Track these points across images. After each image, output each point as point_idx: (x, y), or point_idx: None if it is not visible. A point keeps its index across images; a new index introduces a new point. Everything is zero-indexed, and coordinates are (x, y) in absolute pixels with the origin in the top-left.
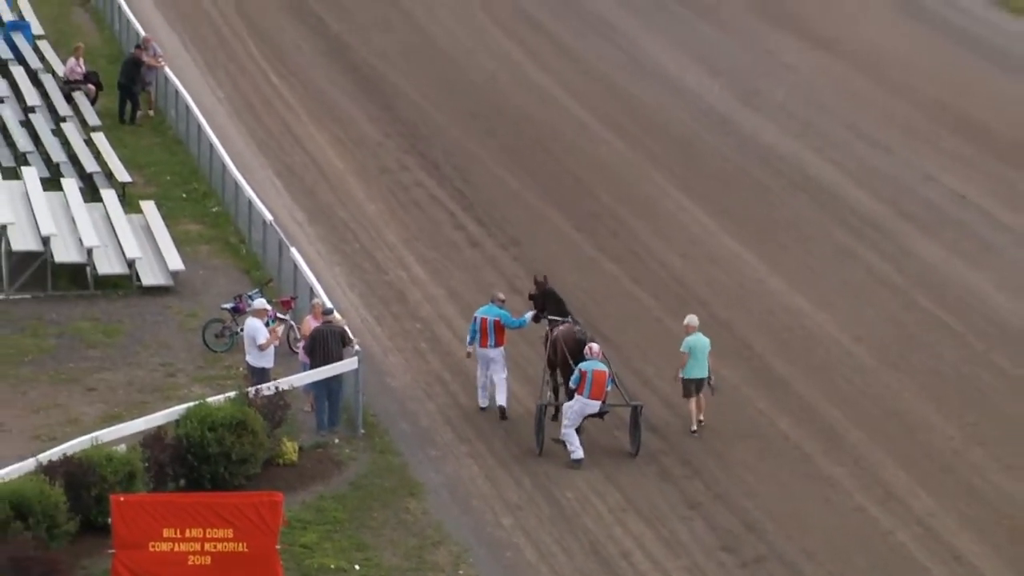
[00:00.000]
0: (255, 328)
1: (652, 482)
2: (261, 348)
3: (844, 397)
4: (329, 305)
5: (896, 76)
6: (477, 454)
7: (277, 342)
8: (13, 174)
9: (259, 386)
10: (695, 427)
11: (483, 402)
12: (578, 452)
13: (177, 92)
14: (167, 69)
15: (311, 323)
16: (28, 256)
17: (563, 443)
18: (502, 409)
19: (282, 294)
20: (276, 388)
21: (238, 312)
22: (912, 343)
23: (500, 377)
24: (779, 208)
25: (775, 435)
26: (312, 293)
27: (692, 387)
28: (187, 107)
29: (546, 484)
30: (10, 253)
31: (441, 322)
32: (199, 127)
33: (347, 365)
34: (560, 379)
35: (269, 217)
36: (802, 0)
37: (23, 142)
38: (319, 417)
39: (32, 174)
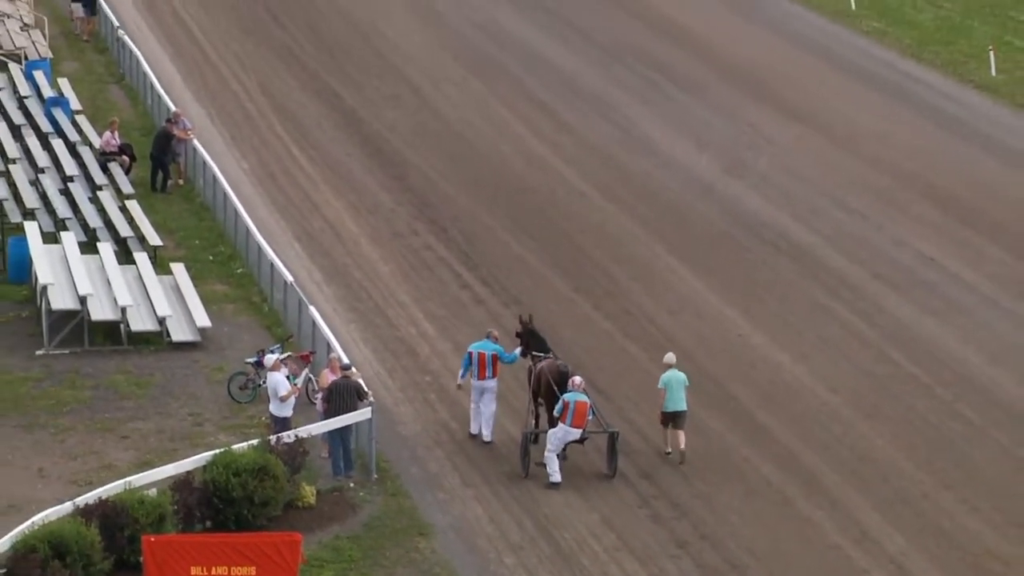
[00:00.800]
0: (277, 381)
1: (644, 524)
2: (282, 399)
3: (822, 444)
4: (346, 361)
5: (868, 148)
6: (482, 497)
7: (297, 394)
8: (53, 239)
9: (280, 434)
10: (669, 450)
11: (475, 428)
12: (556, 476)
13: (205, 163)
14: (196, 142)
15: (328, 376)
16: (67, 314)
17: (545, 468)
18: (487, 440)
19: (301, 349)
20: (296, 436)
21: (261, 366)
22: (884, 394)
23: (490, 410)
24: (761, 269)
25: (758, 479)
26: (329, 348)
27: (670, 419)
28: (214, 176)
29: (546, 525)
30: (50, 311)
31: (449, 375)
32: (225, 195)
33: (362, 415)
34: (544, 408)
35: (290, 278)
36: (782, 79)
37: (62, 209)
38: (335, 463)
39: (71, 239)
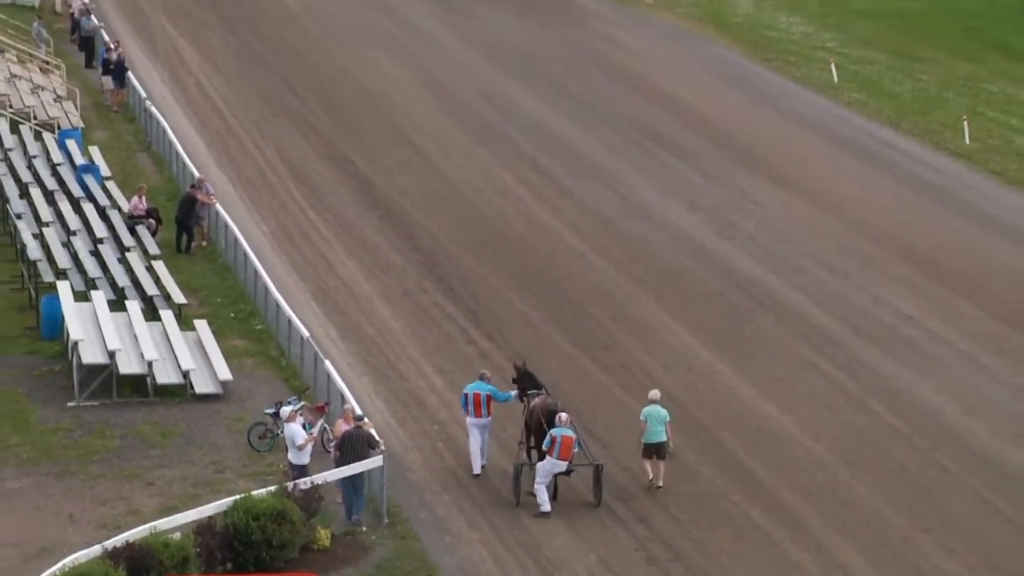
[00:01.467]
0: (294, 430)
1: (640, 565)
2: (299, 448)
3: (807, 490)
4: (360, 412)
5: (851, 212)
6: (487, 540)
7: (313, 443)
8: (84, 297)
9: (297, 481)
10: (652, 477)
11: (477, 469)
12: (546, 506)
13: (227, 225)
14: (218, 206)
15: (342, 426)
16: (96, 368)
17: (535, 497)
18: (476, 473)
19: (317, 400)
20: (312, 483)
21: (279, 416)
22: (865, 443)
23: (477, 444)
24: (749, 325)
25: (746, 523)
26: (343, 399)
27: (652, 451)
28: (235, 238)
29: (547, 567)
30: (81, 365)
31: (456, 425)
32: (246, 256)
33: (373, 463)
34: (535, 442)
35: (306, 334)
36: (770, 147)
37: (93, 269)
38: (348, 508)
39: (100, 297)
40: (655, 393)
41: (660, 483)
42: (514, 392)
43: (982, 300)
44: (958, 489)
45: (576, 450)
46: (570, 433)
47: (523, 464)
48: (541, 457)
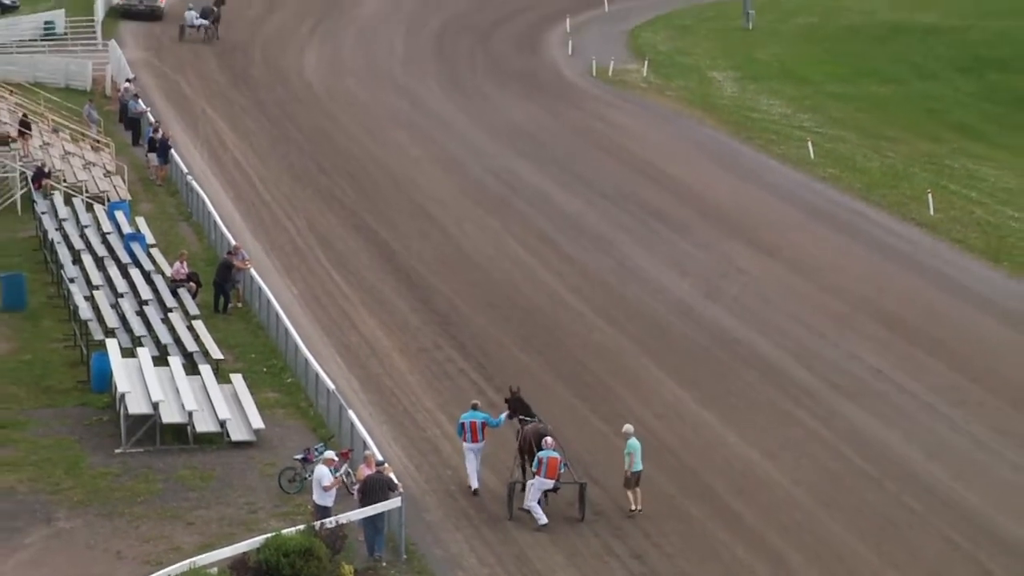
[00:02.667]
0: (322, 473)
1: None
2: (326, 490)
3: (787, 529)
4: (380, 457)
5: (827, 277)
6: None
7: (338, 485)
8: (130, 353)
9: (323, 520)
10: (633, 508)
11: (475, 484)
12: (542, 519)
13: (260, 288)
14: (252, 271)
15: (364, 470)
16: (141, 418)
17: (528, 512)
18: (475, 491)
19: (341, 447)
20: (336, 522)
21: (307, 462)
22: (840, 487)
23: (473, 466)
24: (734, 379)
25: (732, 559)
26: (365, 446)
27: (634, 479)
28: (268, 300)
29: None
30: (127, 415)
31: (481, 495)
32: (277, 316)
33: (393, 504)
34: (527, 464)
35: (331, 386)
36: (753, 218)
37: (138, 328)
38: (370, 545)
39: (145, 353)
40: (631, 427)
41: (639, 507)
42: (504, 415)
43: (945, 356)
44: (923, 528)
45: (562, 470)
46: (555, 455)
47: (515, 483)
48: (531, 476)
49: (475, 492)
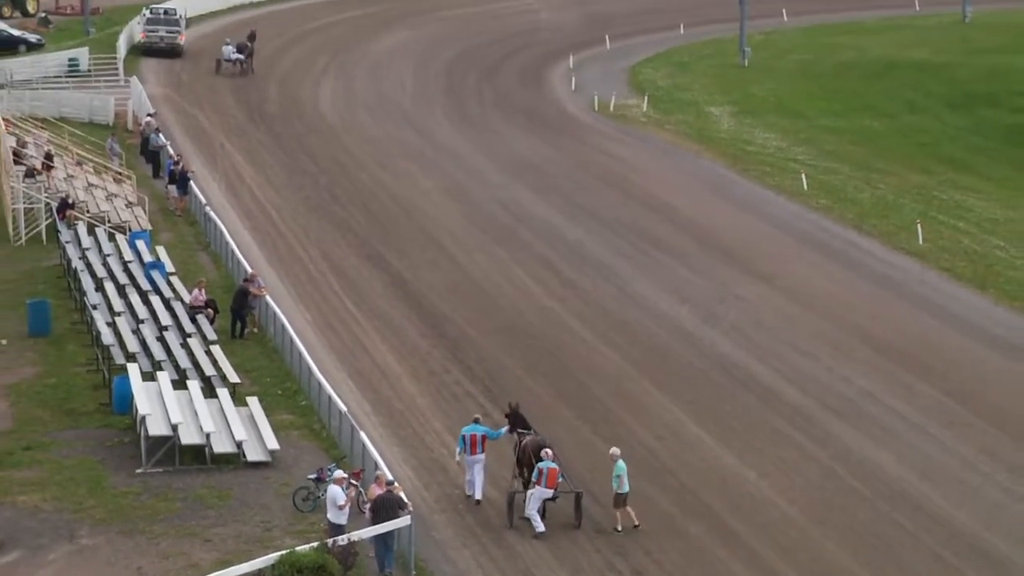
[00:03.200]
0: (335, 493)
1: None
2: (339, 509)
3: (782, 547)
4: (390, 477)
5: (821, 304)
6: None
7: (350, 504)
8: (150, 377)
9: (335, 538)
10: (619, 528)
11: (469, 491)
12: (540, 527)
13: (275, 314)
14: (268, 298)
15: (375, 490)
16: (161, 439)
17: (528, 520)
18: (477, 500)
19: (353, 467)
20: (348, 539)
21: (320, 481)
22: (833, 505)
23: (480, 477)
24: (731, 402)
25: None
26: (376, 466)
27: (622, 499)
28: (283, 326)
29: None
30: (148, 437)
31: (485, 505)
32: (292, 341)
33: (402, 522)
34: (526, 475)
35: (344, 408)
36: (749, 247)
37: (158, 353)
38: (380, 562)
39: (165, 377)
40: (617, 450)
41: (637, 523)
42: (504, 428)
43: (934, 380)
44: (914, 546)
45: (560, 480)
46: (554, 465)
47: (515, 492)
48: (531, 486)
49: (477, 502)
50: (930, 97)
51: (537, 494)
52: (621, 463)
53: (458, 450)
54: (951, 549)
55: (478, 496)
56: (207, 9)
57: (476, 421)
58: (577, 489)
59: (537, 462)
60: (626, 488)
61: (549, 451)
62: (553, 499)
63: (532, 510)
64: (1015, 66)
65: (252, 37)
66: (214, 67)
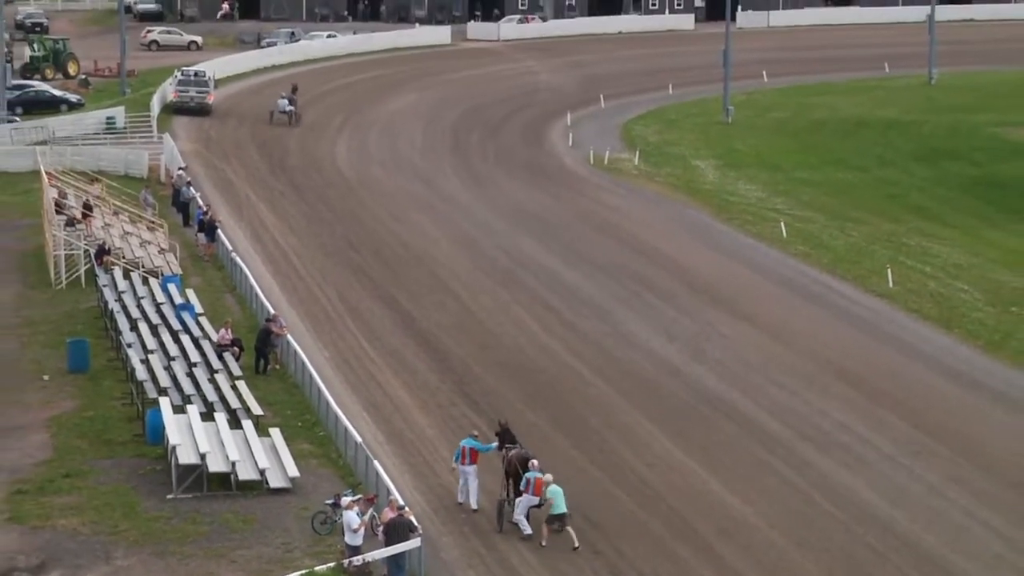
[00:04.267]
0: (351, 517)
1: None
2: (355, 531)
3: (764, 567)
4: (402, 502)
5: (798, 342)
6: None
7: (365, 527)
8: (181, 410)
9: (351, 559)
10: (544, 543)
11: (460, 498)
12: (527, 530)
13: (296, 352)
14: (289, 336)
15: (388, 514)
16: (190, 467)
17: (516, 525)
18: (474, 509)
19: (368, 493)
20: (363, 560)
21: (337, 506)
22: (811, 529)
23: (474, 485)
24: (716, 432)
25: None
26: (389, 492)
27: (555, 520)
28: (302, 362)
29: None
30: (178, 465)
31: (481, 516)
32: (311, 376)
33: (413, 544)
34: (513, 484)
35: (359, 439)
36: (733, 289)
37: (188, 388)
38: None
39: (194, 410)
40: (550, 477)
41: (575, 542)
42: (495, 444)
43: (903, 412)
44: (885, 566)
45: (545, 488)
46: (540, 475)
47: (504, 500)
48: (519, 494)
49: (474, 511)
50: (898, 152)
51: (524, 501)
52: (555, 487)
53: (454, 459)
54: (919, 569)
55: (473, 505)
56: (233, 71)
57: (472, 436)
58: None
59: (524, 473)
60: (562, 510)
61: (535, 462)
62: (538, 506)
63: (520, 515)
64: (975, 123)
65: (294, 90)
66: (268, 117)
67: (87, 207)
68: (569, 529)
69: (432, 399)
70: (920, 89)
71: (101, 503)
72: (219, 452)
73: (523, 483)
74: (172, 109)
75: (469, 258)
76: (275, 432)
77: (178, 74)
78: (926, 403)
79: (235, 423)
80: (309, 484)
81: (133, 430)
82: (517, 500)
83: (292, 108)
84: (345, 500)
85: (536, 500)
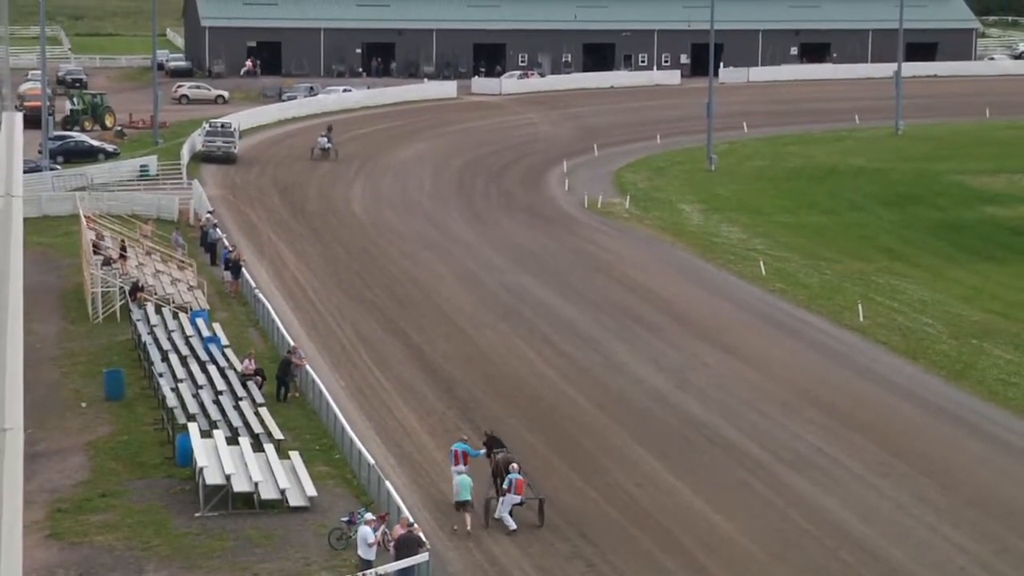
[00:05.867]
0: (366, 532)
1: None
2: (370, 546)
3: None
4: (411, 519)
5: (775, 371)
6: None
7: (378, 544)
8: (208, 434)
9: (364, 572)
10: (456, 527)
11: (456, 497)
12: (512, 525)
13: (314, 381)
14: (308, 366)
15: (398, 530)
16: (216, 487)
17: (501, 520)
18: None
19: (380, 511)
20: (376, 574)
21: (351, 523)
22: (788, 544)
23: (468, 484)
24: (701, 455)
25: None
26: (399, 510)
27: (461, 506)
28: (320, 391)
29: None
30: (205, 485)
31: (483, 532)
32: (328, 404)
33: (421, 558)
34: (498, 484)
35: (372, 461)
36: (715, 323)
37: (214, 414)
38: None
39: (220, 435)
40: (462, 467)
41: (468, 526)
42: (483, 450)
43: (872, 436)
44: None
45: (527, 488)
46: (521, 477)
47: (490, 499)
48: (502, 494)
49: (464, 506)
50: (868, 197)
51: (508, 500)
52: (466, 478)
53: (451, 462)
54: None
55: (466, 500)
56: (257, 123)
57: (464, 440)
58: (540, 496)
59: (507, 474)
60: (465, 497)
61: (516, 465)
62: (520, 504)
63: (504, 512)
64: (938, 171)
65: (330, 129)
66: (309, 154)
67: (123, 249)
68: (468, 515)
69: (439, 424)
70: (887, 139)
71: (134, 521)
72: (243, 473)
73: (506, 483)
74: (201, 158)
75: (473, 294)
76: (295, 455)
77: (206, 126)
78: (894, 428)
79: (258, 447)
80: (326, 503)
81: (164, 453)
82: (501, 499)
83: (330, 145)
84: (369, 517)
85: (518, 499)
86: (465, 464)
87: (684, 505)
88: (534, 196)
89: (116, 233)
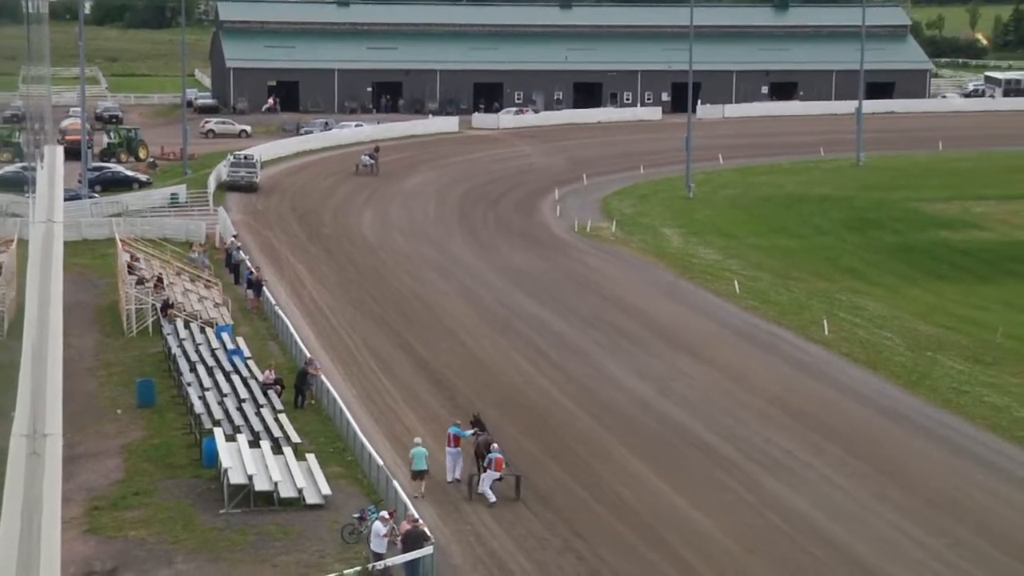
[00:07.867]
0: (378, 527)
1: None
2: (382, 538)
3: (722, 571)
4: (417, 516)
5: (748, 380)
6: None
7: (388, 537)
8: (232, 438)
9: (374, 563)
10: (416, 495)
11: (449, 477)
12: (492, 498)
13: (328, 390)
14: (323, 376)
15: (405, 525)
16: (239, 487)
17: (483, 495)
18: (458, 480)
19: (388, 508)
20: (385, 565)
21: (362, 519)
22: (761, 539)
23: (459, 463)
24: (682, 458)
25: None
26: (406, 507)
27: (418, 475)
28: (334, 398)
29: None
30: (229, 484)
31: (483, 527)
32: (341, 410)
33: (426, 551)
34: (480, 463)
35: (381, 462)
36: (694, 337)
37: (238, 419)
38: None
39: (242, 439)
40: (419, 439)
41: (423, 490)
42: (471, 432)
43: (839, 440)
44: (823, 571)
45: (505, 465)
46: (500, 455)
47: (472, 475)
48: (483, 471)
49: (457, 481)
50: (832, 222)
51: (488, 476)
52: (421, 449)
53: (446, 443)
54: (853, 574)
55: (457, 476)
56: (276, 155)
57: (456, 424)
58: (517, 473)
59: (488, 453)
60: (421, 467)
61: (495, 445)
62: (500, 479)
63: (485, 487)
64: (896, 199)
65: (377, 149)
66: (353, 169)
67: (159, 280)
68: (421, 482)
69: (442, 430)
70: (850, 170)
71: (165, 517)
72: (264, 474)
73: (486, 461)
74: (225, 187)
75: (473, 310)
76: (311, 457)
77: (231, 157)
78: (857, 432)
79: (277, 449)
80: (339, 500)
81: (192, 455)
82: (482, 476)
83: (373, 162)
84: (371, 515)
85: (498, 475)
86: (457, 446)
87: (667, 503)
88: (529, 221)
89: (151, 265)
